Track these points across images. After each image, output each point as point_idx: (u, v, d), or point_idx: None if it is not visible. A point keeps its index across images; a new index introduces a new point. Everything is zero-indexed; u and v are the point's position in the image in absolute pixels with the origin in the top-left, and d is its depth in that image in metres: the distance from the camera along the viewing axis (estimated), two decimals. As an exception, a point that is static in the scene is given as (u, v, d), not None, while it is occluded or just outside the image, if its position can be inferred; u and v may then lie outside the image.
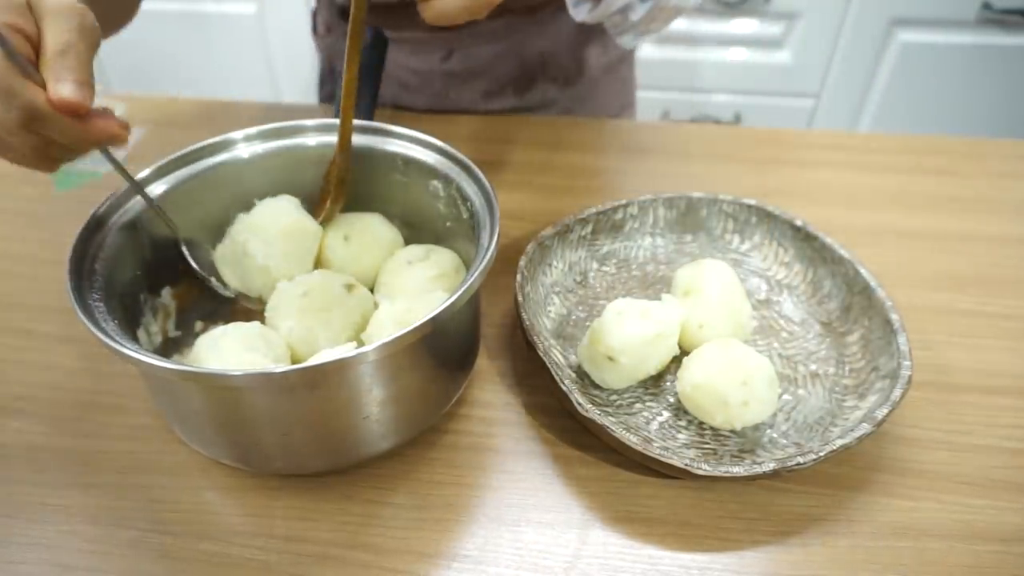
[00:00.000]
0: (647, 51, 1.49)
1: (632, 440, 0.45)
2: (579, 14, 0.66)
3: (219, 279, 0.54)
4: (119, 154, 0.50)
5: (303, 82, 1.66)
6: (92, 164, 0.79)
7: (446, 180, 0.53)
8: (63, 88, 0.38)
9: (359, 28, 0.48)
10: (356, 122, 0.56)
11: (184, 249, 0.53)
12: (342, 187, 0.55)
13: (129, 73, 1.72)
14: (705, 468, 0.43)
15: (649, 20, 0.68)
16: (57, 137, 0.41)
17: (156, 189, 0.51)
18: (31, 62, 0.39)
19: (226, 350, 0.46)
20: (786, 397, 0.51)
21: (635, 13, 0.66)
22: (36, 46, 0.39)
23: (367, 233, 0.56)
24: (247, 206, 0.54)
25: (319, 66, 0.98)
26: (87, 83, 0.39)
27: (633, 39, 0.72)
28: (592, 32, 0.85)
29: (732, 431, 0.49)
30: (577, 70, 0.87)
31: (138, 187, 0.49)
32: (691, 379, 0.48)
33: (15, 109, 0.38)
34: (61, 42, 0.39)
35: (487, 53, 0.82)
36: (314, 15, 0.94)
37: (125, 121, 0.43)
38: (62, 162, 0.44)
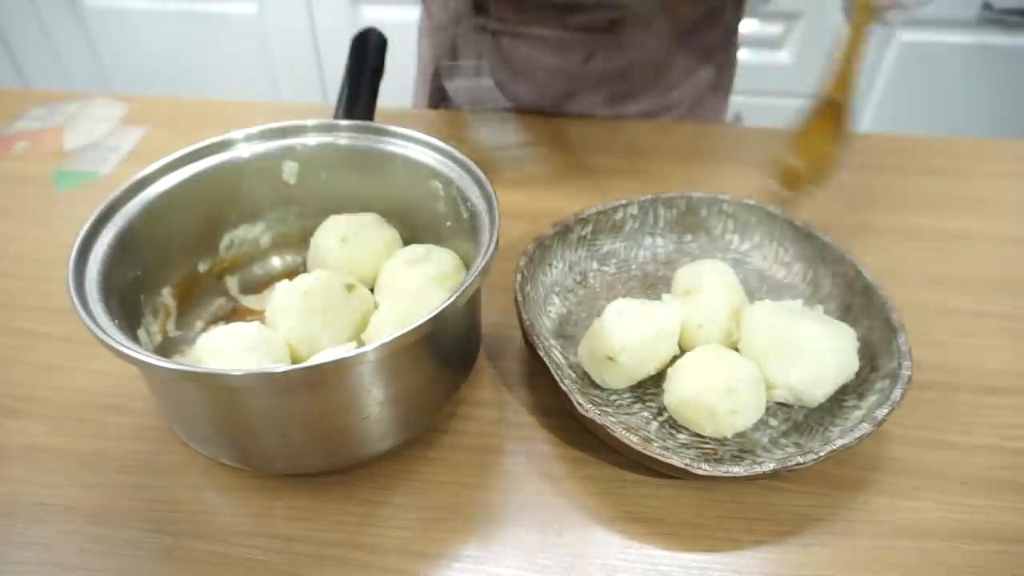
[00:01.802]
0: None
1: (632, 440, 0.45)
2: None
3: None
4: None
5: (303, 82, 1.66)
6: (92, 164, 0.79)
7: (446, 180, 0.53)
8: None
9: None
10: (356, 122, 0.56)
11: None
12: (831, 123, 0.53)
13: (130, 73, 1.72)
14: (705, 468, 0.43)
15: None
16: None
17: (156, 189, 0.51)
18: None
19: (226, 350, 0.46)
20: (786, 396, 0.50)
21: None
22: None
23: (364, 234, 0.56)
24: (247, 206, 0.55)
25: (427, 60, 0.93)
26: None
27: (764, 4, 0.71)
28: (719, 48, 0.87)
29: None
30: (696, 84, 0.88)
31: None
32: (677, 392, 0.48)
33: None
34: None
35: (625, 59, 0.83)
36: (425, 7, 0.91)
37: None
38: None
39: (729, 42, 0.90)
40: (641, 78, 0.85)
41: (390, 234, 0.57)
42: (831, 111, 0.54)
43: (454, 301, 0.41)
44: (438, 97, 0.90)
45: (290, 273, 0.60)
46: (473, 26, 0.85)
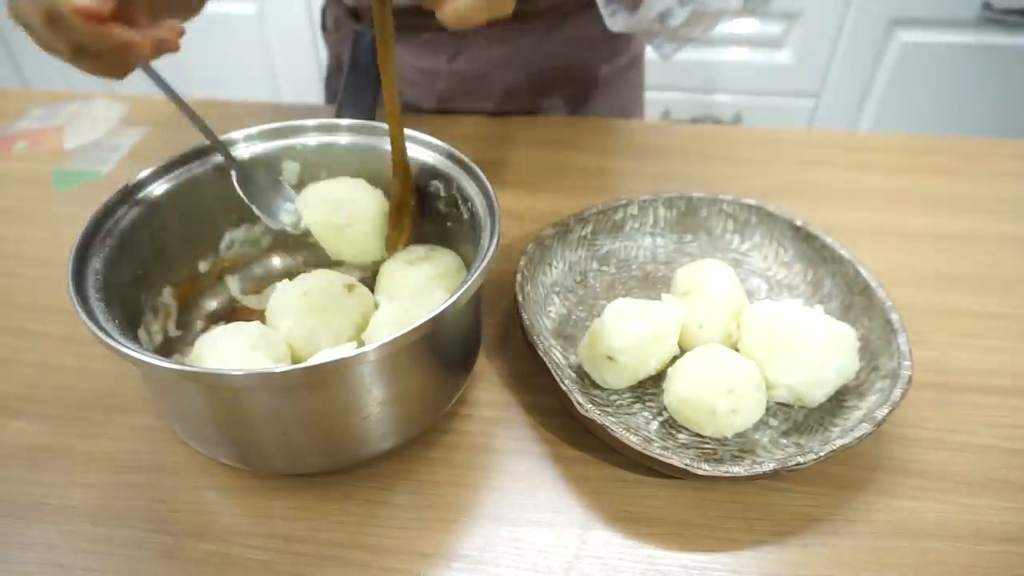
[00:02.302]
0: (648, 51, 1.49)
1: (632, 440, 0.45)
2: (616, 23, 0.64)
3: (267, 213, 0.54)
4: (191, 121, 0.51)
5: (303, 82, 1.66)
6: (92, 164, 0.79)
7: (446, 180, 0.53)
8: None
9: (388, 46, 0.46)
10: (356, 122, 0.56)
11: (234, 179, 0.53)
12: (404, 213, 0.55)
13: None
14: (705, 468, 0.43)
15: (690, 26, 0.66)
16: (80, 39, 0.42)
17: (156, 189, 0.51)
18: None
19: (227, 350, 0.46)
20: (786, 396, 0.50)
21: (675, 18, 0.64)
22: None
23: (350, 203, 0.55)
24: (237, 209, 0.54)
25: (327, 63, 0.98)
26: None
27: (672, 49, 0.70)
28: (602, 38, 0.84)
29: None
30: (585, 76, 0.87)
31: (181, 102, 0.49)
32: (677, 392, 0.48)
33: (38, 10, 0.41)
34: None
35: (495, 56, 0.82)
36: (323, 11, 0.94)
37: (169, 32, 0.44)
38: (103, 70, 0.46)
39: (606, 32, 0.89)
40: (517, 74, 0.84)
41: (370, 194, 0.56)
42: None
43: (454, 301, 0.41)
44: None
45: (290, 273, 0.60)
46: (352, 32, 0.85)
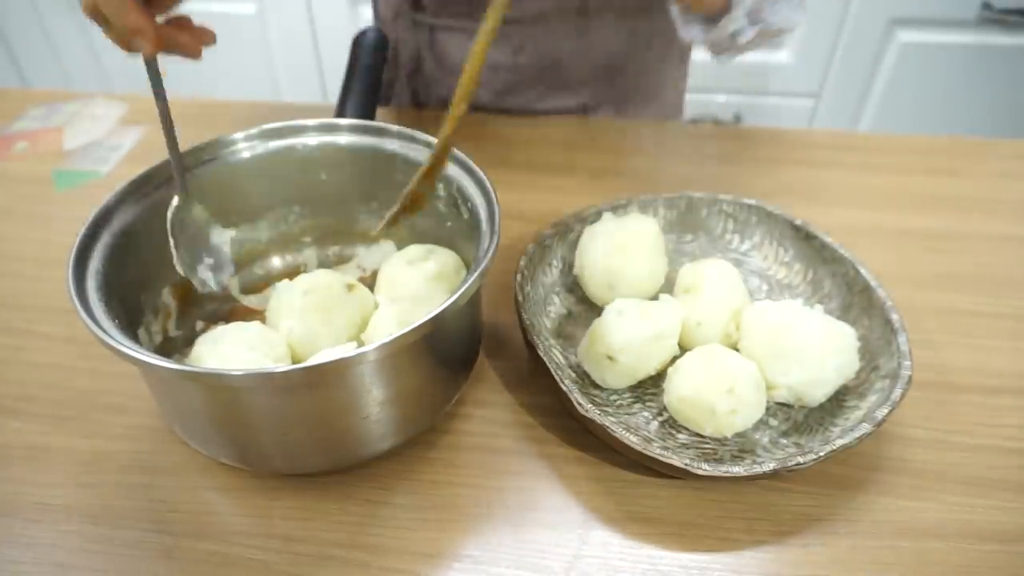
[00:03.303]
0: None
1: (632, 440, 0.45)
2: (689, 33, 0.65)
3: (185, 260, 0.51)
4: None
5: (303, 82, 1.66)
6: (92, 164, 0.79)
7: (446, 180, 0.53)
8: None
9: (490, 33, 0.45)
10: (356, 122, 0.56)
11: (172, 205, 0.50)
12: (413, 208, 0.51)
13: (129, 73, 1.72)
14: (705, 468, 0.43)
15: (755, 42, 0.68)
16: (103, 6, 0.44)
17: (157, 189, 0.51)
18: None
19: (226, 349, 0.46)
20: (786, 396, 0.50)
21: (743, 36, 0.65)
22: None
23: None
24: (247, 206, 0.54)
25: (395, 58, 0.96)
26: None
27: (730, 57, 0.71)
28: (661, 41, 0.85)
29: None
30: (638, 77, 0.87)
31: (163, 106, 0.49)
32: (677, 391, 0.48)
33: None
34: None
35: (556, 50, 0.82)
36: (375, 1, 0.93)
37: (193, 37, 0.47)
38: (114, 38, 0.46)
39: (674, 35, 0.89)
40: (575, 70, 0.84)
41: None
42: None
43: (454, 301, 0.41)
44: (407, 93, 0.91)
45: (290, 273, 0.60)
46: (411, 21, 0.84)
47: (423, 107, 0.91)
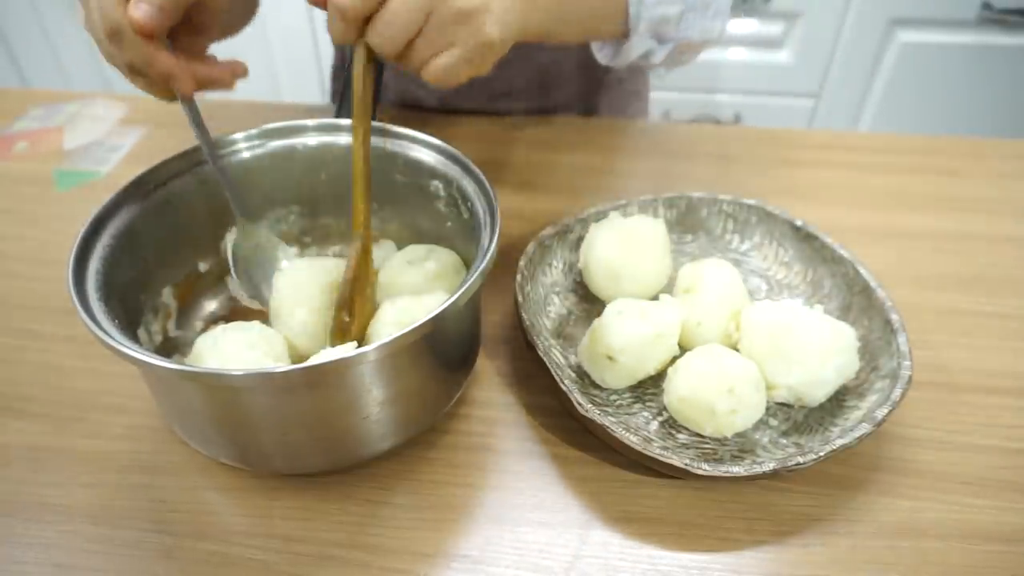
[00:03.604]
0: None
1: (632, 440, 0.45)
2: (603, 58, 0.65)
3: (249, 289, 0.54)
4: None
5: (303, 82, 1.66)
6: (92, 164, 0.79)
7: (446, 180, 0.53)
8: (137, 8, 0.42)
9: (365, 107, 0.46)
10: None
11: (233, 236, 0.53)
12: (359, 291, 0.49)
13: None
14: (705, 468, 0.43)
15: (673, 59, 0.67)
16: (132, 57, 0.44)
17: (157, 189, 0.51)
18: None
19: (226, 348, 0.46)
20: (786, 396, 0.50)
21: (656, 56, 0.65)
22: None
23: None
24: (248, 206, 0.54)
25: (332, 61, 0.97)
26: (164, 8, 0.43)
27: (665, 71, 0.71)
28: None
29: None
30: (587, 79, 0.87)
31: (211, 149, 0.50)
32: (677, 391, 0.48)
33: (103, 20, 0.43)
34: None
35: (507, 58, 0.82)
36: None
37: (224, 72, 0.48)
38: (150, 90, 0.48)
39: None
40: (519, 74, 0.84)
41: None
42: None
43: (454, 301, 0.41)
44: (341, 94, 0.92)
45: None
46: None
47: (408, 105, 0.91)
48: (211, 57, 0.50)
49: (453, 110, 0.86)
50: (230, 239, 0.57)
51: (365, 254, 0.49)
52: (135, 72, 0.46)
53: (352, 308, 0.48)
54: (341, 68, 0.95)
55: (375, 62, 0.46)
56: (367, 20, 0.43)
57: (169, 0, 0.43)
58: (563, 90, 0.87)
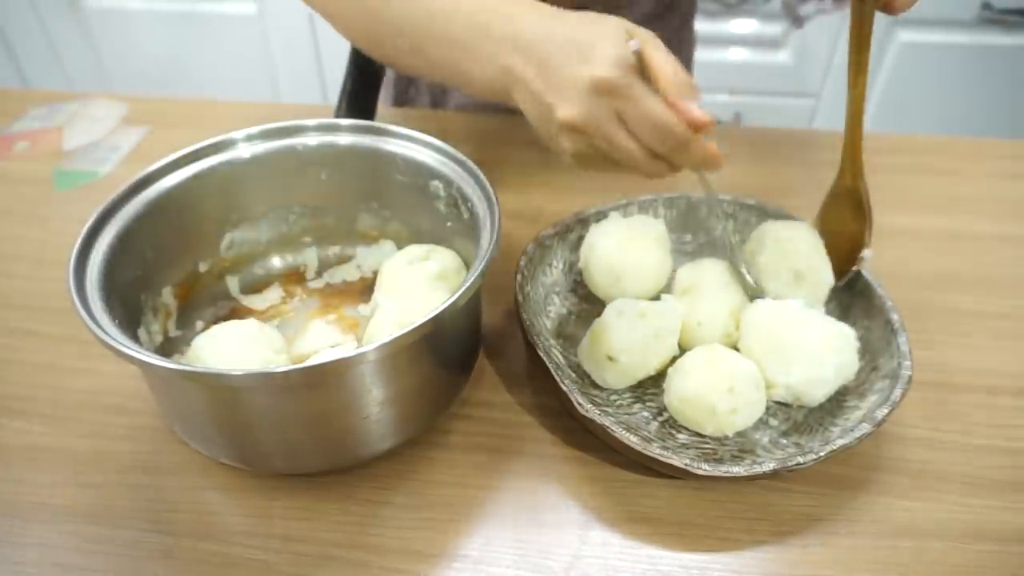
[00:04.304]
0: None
1: (632, 440, 0.45)
2: None
3: None
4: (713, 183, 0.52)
5: (303, 82, 1.66)
6: (92, 164, 0.79)
7: (446, 180, 0.53)
8: (698, 112, 0.40)
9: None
10: (356, 122, 0.56)
11: None
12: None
13: (130, 73, 1.72)
14: (705, 468, 0.43)
15: None
16: (690, 159, 0.42)
17: (157, 189, 0.51)
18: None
19: (226, 345, 0.46)
20: (786, 396, 0.50)
21: None
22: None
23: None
24: (247, 206, 0.55)
25: (343, 86, 0.96)
26: (697, 99, 0.41)
27: (812, 8, 0.68)
28: (680, 40, 0.85)
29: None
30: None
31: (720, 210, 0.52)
32: (677, 392, 0.48)
33: (669, 143, 0.41)
34: (670, 60, 0.41)
35: None
36: None
37: (717, 152, 0.44)
38: (666, 174, 0.45)
39: (684, 35, 0.88)
40: None
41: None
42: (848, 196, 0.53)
43: (454, 301, 0.41)
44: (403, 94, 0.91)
45: (291, 273, 0.60)
46: None
47: (406, 105, 0.91)
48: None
49: (457, 108, 0.85)
50: (229, 238, 0.57)
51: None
52: (657, 159, 0.43)
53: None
54: (354, 94, 0.93)
55: None
56: None
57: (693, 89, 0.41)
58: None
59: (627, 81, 0.40)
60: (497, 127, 0.83)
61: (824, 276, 0.55)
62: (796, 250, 0.54)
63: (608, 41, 0.41)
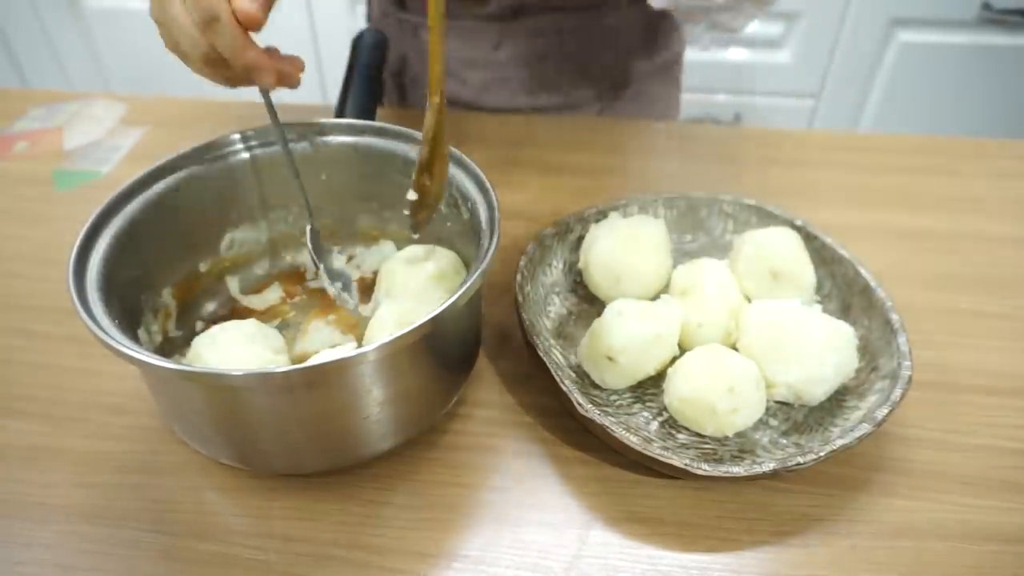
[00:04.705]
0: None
1: (632, 440, 0.45)
2: (657, 0, 0.63)
3: (326, 269, 0.55)
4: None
5: (303, 82, 1.65)
6: (92, 164, 0.79)
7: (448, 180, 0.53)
8: None
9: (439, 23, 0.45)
10: (356, 122, 0.56)
11: (308, 235, 0.55)
12: (426, 203, 0.50)
13: (130, 73, 1.72)
14: (705, 468, 0.43)
15: (732, 12, 0.65)
16: (222, 49, 0.44)
17: (157, 189, 0.51)
18: None
19: (225, 345, 0.46)
20: (786, 395, 0.50)
21: None
22: None
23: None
24: (247, 206, 0.55)
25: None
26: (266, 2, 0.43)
27: (711, 40, 0.70)
28: (644, 32, 0.84)
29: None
30: (623, 73, 0.87)
31: (283, 136, 0.52)
32: (678, 392, 0.48)
33: (196, 5, 0.42)
34: None
35: (536, 46, 0.82)
36: (369, 2, 0.93)
37: (291, 66, 0.48)
38: (224, 80, 0.48)
39: (662, 27, 0.86)
40: (557, 66, 0.84)
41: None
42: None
43: (454, 301, 0.41)
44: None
45: (291, 273, 0.60)
46: (397, 21, 0.85)
47: (410, 106, 0.91)
48: (274, 50, 0.50)
49: (484, 106, 0.86)
50: (229, 238, 0.57)
51: (440, 114, 0.47)
52: (212, 63, 0.45)
53: (432, 169, 0.49)
54: (355, 93, 0.94)
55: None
56: None
57: None
58: (594, 85, 0.86)
59: None
60: (497, 127, 0.83)
61: (805, 275, 0.55)
62: (773, 251, 0.55)
63: None
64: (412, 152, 0.54)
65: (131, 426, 0.51)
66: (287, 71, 0.48)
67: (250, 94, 0.55)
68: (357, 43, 0.70)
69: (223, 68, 0.46)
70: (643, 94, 0.90)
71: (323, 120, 0.56)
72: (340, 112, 0.62)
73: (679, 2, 0.63)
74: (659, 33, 0.86)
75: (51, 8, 1.65)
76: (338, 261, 0.60)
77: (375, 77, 0.64)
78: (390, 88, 0.92)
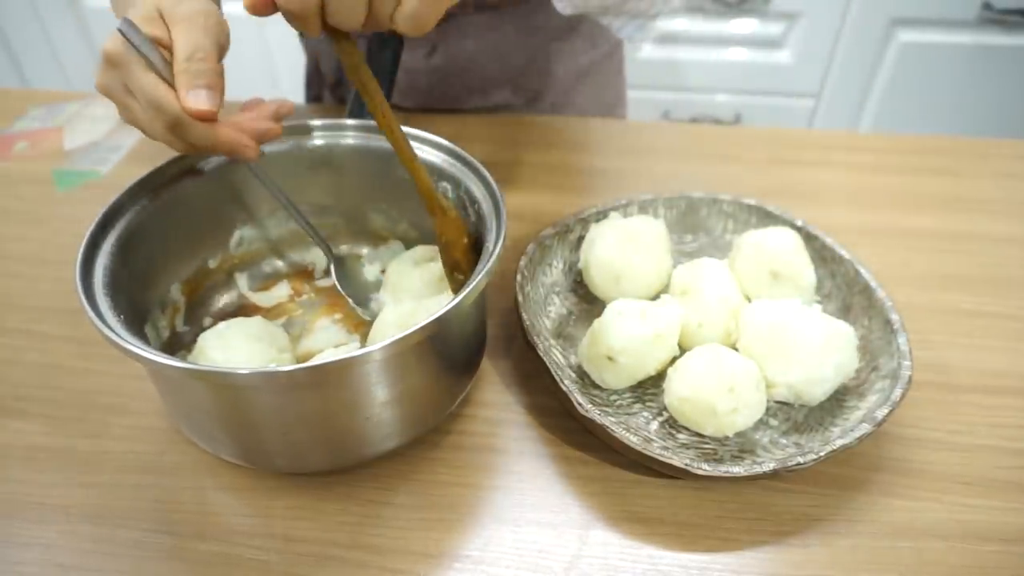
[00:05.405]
0: (648, 51, 1.49)
1: (632, 440, 0.45)
2: (564, 6, 0.64)
3: (358, 301, 0.56)
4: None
5: (303, 82, 1.65)
6: (92, 164, 0.79)
7: (454, 182, 0.53)
8: (192, 98, 0.42)
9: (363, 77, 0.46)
10: (361, 122, 0.56)
11: (332, 268, 0.57)
12: (452, 252, 0.50)
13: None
14: (705, 468, 0.43)
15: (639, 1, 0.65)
16: (195, 141, 0.44)
17: (165, 186, 0.51)
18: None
19: (231, 342, 0.47)
20: (786, 395, 0.50)
21: None
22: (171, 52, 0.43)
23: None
24: (255, 204, 0.55)
25: (305, 67, 0.98)
26: (216, 88, 0.43)
27: (635, 28, 0.69)
28: (578, 27, 0.84)
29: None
30: (561, 66, 0.86)
31: (290, 204, 0.53)
32: (678, 392, 0.48)
33: (161, 119, 0.43)
34: (189, 46, 0.42)
35: (470, 48, 0.81)
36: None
37: (267, 126, 0.48)
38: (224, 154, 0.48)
39: (582, 28, 0.86)
40: (491, 68, 0.84)
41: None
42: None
43: (459, 302, 0.41)
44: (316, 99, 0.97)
45: (298, 272, 0.60)
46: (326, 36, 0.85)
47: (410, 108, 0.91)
48: (256, 101, 0.51)
49: (432, 109, 0.86)
50: (239, 236, 0.57)
51: (444, 215, 0.49)
52: (198, 149, 0.46)
53: (462, 267, 0.50)
54: (316, 72, 0.95)
55: (359, 42, 0.45)
56: (322, 9, 0.41)
57: (217, 78, 0.43)
58: (539, 83, 0.86)
59: (126, 57, 0.43)
60: (497, 128, 0.83)
61: (805, 275, 0.55)
62: (773, 251, 0.55)
63: (133, 12, 0.44)
64: (421, 153, 0.54)
65: (131, 426, 0.51)
66: (264, 130, 0.49)
67: (253, 92, 0.55)
68: (368, 45, 0.70)
69: (210, 151, 0.47)
70: (589, 88, 0.90)
71: (328, 120, 0.56)
72: (351, 114, 0.62)
73: (584, 5, 0.64)
74: (595, 25, 0.86)
75: (51, 8, 1.65)
76: (371, 272, 0.60)
77: (389, 78, 0.64)
78: (328, 99, 0.93)
